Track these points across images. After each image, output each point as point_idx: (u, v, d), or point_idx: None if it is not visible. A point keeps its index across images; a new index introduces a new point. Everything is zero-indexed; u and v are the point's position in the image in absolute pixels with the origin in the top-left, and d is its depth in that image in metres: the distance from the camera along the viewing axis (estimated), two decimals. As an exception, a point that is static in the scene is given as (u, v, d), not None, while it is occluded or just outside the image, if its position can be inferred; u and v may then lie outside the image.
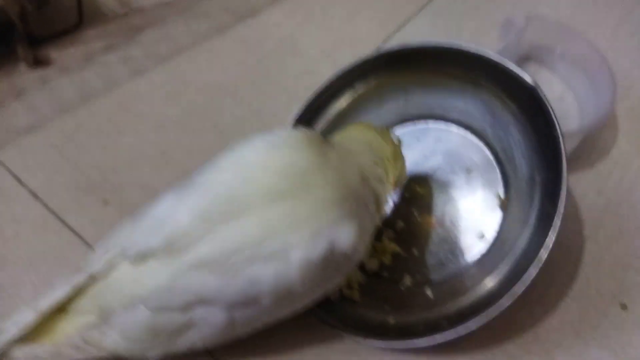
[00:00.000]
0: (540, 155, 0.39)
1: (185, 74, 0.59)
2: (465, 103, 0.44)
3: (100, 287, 0.37)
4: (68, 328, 0.37)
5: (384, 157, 0.40)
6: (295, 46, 0.61)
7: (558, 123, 0.37)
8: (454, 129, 0.45)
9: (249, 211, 0.33)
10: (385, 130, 0.41)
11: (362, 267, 0.43)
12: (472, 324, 0.35)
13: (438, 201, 0.44)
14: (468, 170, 0.44)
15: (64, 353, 0.37)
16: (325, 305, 0.41)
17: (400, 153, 0.41)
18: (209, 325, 0.34)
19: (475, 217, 0.43)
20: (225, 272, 0.32)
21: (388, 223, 0.44)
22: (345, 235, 0.33)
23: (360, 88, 0.47)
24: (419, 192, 0.45)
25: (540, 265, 0.35)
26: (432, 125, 0.46)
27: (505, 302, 0.35)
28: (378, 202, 0.39)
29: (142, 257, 0.35)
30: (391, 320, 0.40)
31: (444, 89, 0.45)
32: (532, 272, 0.35)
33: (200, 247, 0.33)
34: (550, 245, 0.35)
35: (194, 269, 0.33)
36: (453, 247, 0.42)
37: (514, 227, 0.40)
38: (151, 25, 0.64)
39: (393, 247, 0.43)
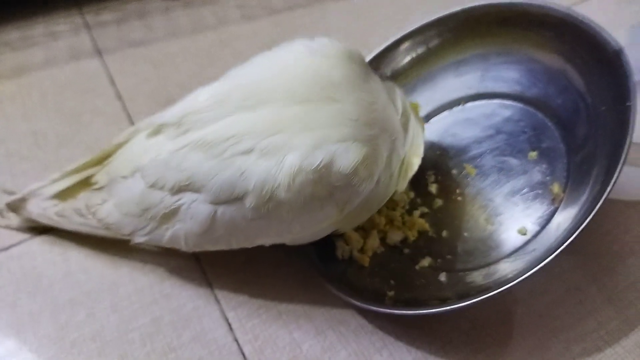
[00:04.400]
0: (610, 148, 0.32)
1: (289, 27, 0.60)
2: (548, 80, 0.38)
3: (115, 156, 0.38)
4: (81, 193, 0.39)
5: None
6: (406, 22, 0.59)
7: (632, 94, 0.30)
8: (530, 108, 0.39)
9: (265, 106, 0.31)
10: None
11: (383, 237, 0.39)
12: (477, 300, 0.30)
13: (486, 184, 0.38)
14: (530, 156, 0.38)
15: (67, 214, 0.39)
16: (328, 260, 0.37)
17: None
18: (192, 217, 0.33)
19: (522, 208, 0.36)
20: (219, 157, 0.31)
21: (426, 199, 0.40)
22: (350, 157, 0.30)
23: (438, 48, 0.43)
24: (469, 171, 0.39)
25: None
26: (507, 102, 0.40)
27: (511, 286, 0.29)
28: (412, 156, 0.35)
29: (155, 130, 0.35)
30: (390, 292, 0.35)
31: (526, 62, 0.39)
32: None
33: (206, 129, 0.32)
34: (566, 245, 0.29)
35: (192, 149, 0.32)
36: (488, 238, 0.36)
37: (559, 227, 0.33)
38: (277, -17, 0.66)
39: (422, 224, 0.38)
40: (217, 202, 0.32)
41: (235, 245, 0.34)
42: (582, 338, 0.35)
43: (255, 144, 0.30)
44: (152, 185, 0.33)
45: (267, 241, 0.34)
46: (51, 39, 0.60)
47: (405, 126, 0.34)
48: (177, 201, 0.33)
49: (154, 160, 0.33)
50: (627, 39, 0.44)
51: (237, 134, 0.31)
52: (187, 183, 0.32)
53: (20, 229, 0.43)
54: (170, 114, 0.34)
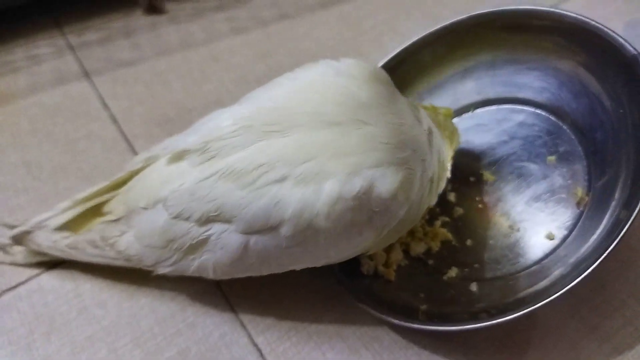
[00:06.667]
0: (632, 148, 0.33)
1: (281, 38, 0.59)
2: (560, 84, 0.38)
3: (131, 184, 0.36)
4: (95, 224, 0.37)
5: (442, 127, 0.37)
6: (395, 29, 0.59)
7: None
8: (543, 113, 0.39)
9: (293, 130, 0.30)
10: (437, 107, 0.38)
11: (406, 249, 0.39)
12: (516, 316, 0.30)
13: (507, 191, 0.38)
14: (549, 160, 0.38)
15: (80, 247, 0.37)
16: (353, 276, 0.37)
17: (454, 126, 0.38)
18: (222, 247, 0.32)
19: (546, 213, 0.36)
20: (250, 186, 0.30)
21: (445, 208, 0.40)
22: (388, 182, 0.30)
23: (445, 55, 0.43)
24: (487, 178, 0.39)
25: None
26: (518, 107, 0.41)
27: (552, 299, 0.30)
28: (440, 171, 0.34)
29: (176, 156, 0.33)
30: (423, 307, 0.35)
31: (536, 67, 0.40)
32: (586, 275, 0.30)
33: (233, 156, 0.31)
34: (605, 254, 0.30)
35: (220, 178, 0.31)
36: (515, 245, 0.36)
37: (587, 230, 0.34)
38: (264, -6, 0.65)
39: (444, 233, 0.38)
40: (249, 232, 0.31)
41: (265, 272, 0.33)
42: (612, 335, 0.35)
43: (288, 172, 0.29)
44: (177, 216, 0.32)
45: (299, 267, 0.33)
46: (33, 62, 0.58)
47: (430, 143, 0.34)
48: (205, 232, 0.32)
49: (178, 190, 0.32)
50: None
51: (268, 162, 0.30)
52: (216, 214, 0.31)
53: (26, 265, 0.41)
54: (192, 139, 0.33)
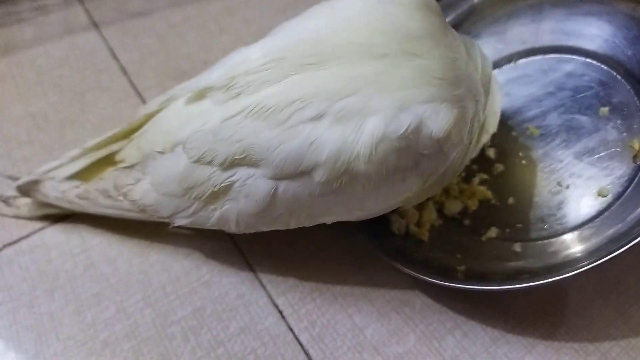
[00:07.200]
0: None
1: (301, -9, 0.56)
2: (614, 30, 0.35)
3: (146, 128, 0.33)
4: (107, 173, 0.34)
5: None
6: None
7: None
8: (594, 62, 0.36)
9: (334, 62, 0.27)
10: None
11: (440, 208, 0.36)
12: (560, 278, 0.27)
13: (554, 145, 0.35)
14: (601, 112, 0.35)
15: (91, 197, 0.34)
16: (382, 235, 0.34)
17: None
18: (247, 195, 0.28)
19: (599, 168, 0.33)
20: (282, 125, 0.26)
21: (483, 165, 0.36)
22: (441, 119, 0.26)
23: (484, 2, 0.39)
24: (531, 132, 0.36)
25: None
26: (567, 57, 0.37)
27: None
28: (488, 123, 0.31)
29: (198, 95, 0.30)
30: (461, 267, 0.32)
31: (588, 11, 0.36)
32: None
33: (263, 92, 0.27)
34: None
35: (248, 116, 0.27)
36: (563, 203, 0.33)
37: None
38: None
39: (483, 191, 0.35)
40: (279, 177, 0.27)
41: (293, 225, 0.30)
42: (664, 304, 0.32)
43: (326, 108, 0.26)
44: (198, 160, 0.29)
45: (331, 219, 0.30)
46: (40, 13, 0.55)
47: (486, 87, 0.30)
48: (229, 177, 0.28)
49: (199, 130, 0.28)
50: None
51: (303, 97, 0.26)
52: (242, 156, 0.27)
53: (30, 218, 0.38)
54: (215, 75, 0.29)
